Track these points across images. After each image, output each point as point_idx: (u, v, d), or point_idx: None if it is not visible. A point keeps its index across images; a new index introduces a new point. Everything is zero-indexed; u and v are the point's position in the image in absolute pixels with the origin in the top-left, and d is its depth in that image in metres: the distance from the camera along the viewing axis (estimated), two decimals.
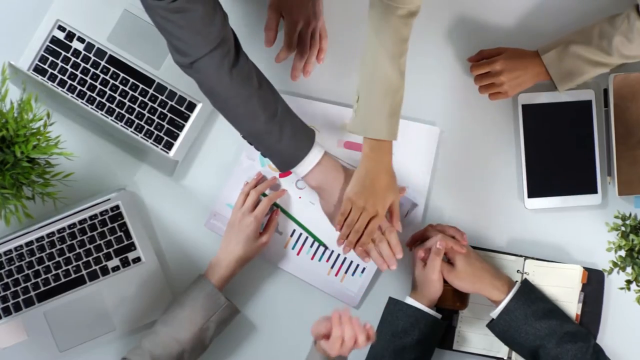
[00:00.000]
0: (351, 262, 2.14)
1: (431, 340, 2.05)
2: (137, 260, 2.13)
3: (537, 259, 2.13)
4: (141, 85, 2.14)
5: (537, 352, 2.02)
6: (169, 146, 2.14)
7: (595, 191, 2.15)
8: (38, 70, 2.14)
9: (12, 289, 2.12)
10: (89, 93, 2.14)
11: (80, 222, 2.12)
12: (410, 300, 2.05)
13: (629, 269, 1.96)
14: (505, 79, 2.08)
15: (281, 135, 1.98)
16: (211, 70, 1.90)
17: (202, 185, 2.17)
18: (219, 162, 2.15)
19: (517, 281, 2.07)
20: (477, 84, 2.13)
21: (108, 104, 2.14)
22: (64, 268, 2.12)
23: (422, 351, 2.04)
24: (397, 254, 2.04)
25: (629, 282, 1.96)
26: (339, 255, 2.14)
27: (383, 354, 2.03)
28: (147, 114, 2.14)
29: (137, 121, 2.14)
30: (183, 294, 2.05)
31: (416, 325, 2.03)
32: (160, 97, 2.14)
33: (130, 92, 2.14)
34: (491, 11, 2.17)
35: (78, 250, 2.12)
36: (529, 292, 2.04)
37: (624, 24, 2.01)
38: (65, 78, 2.14)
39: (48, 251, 2.12)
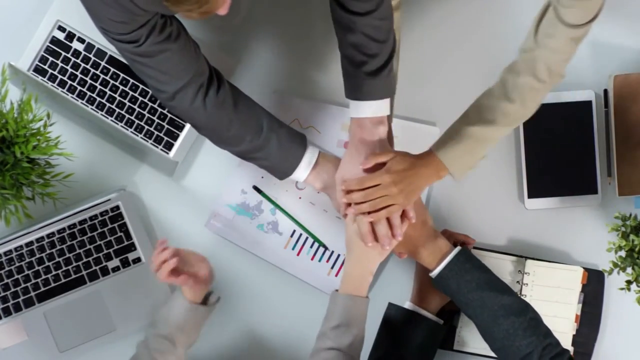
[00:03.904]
0: None
1: (432, 345, 2.05)
2: (137, 260, 2.13)
3: (538, 259, 2.13)
4: (141, 86, 2.14)
5: (473, 321, 1.99)
6: (169, 147, 2.14)
7: (595, 191, 2.15)
8: (38, 70, 2.14)
9: (12, 290, 2.12)
10: (89, 93, 2.14)
11: (80, 222, 2.12)
12: (410, 306, 2.05)
13: (629, 270, 1.96)
14: (397, 189, 1.95)
15: (270, 149, 1.99)
16: (186, 104, 1.92)
17: (202, 186, 2.17)
18: (219, 162, 2.15)
19: (457, 247, 2.01)
20: (367, 199, 1.97)
21: (108, 105, 2.14)
22: (64, 268, 2.12)
23: (424, 356, 2.04)
24: (396, 236, 1.97)
25: (629, 282, 1.96)
26: (339, 255, 2.14)
27: (386, 359, 2.02)
28: (147, 115, 2.14)
29: (137, 122, 2.14)
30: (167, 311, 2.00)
31: (418, 330, 2.03)
32: None
33: (130, 93, 2.14)
34: (493, 13, 2.17)
35: (78, 251, 2.12)
36: (463, 262, 1.99)
37: (534, 47, 1.88)
38: (65, 78, 2.14)
39: (48, 252, 2.12)
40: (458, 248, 2.01)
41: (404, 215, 1.98)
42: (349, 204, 1.97)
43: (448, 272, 1.99)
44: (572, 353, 2.12)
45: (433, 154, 1.96)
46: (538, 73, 1.87)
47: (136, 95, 2.14)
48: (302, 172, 2.02)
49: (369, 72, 1.95)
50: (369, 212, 1.95)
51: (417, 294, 2.07)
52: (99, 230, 2.12)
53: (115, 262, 2.13)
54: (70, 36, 2.14)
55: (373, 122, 1.98)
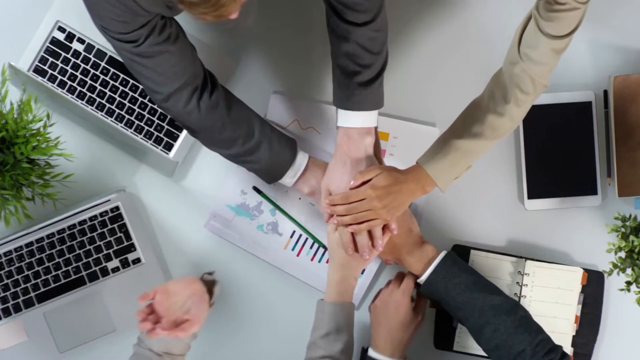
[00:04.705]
0: None
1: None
2: (137, 261, 2.13)
3: (538, 260, 2.13)
4: (140, 86, 2.14)
5: (464, 324, 2.00)
6: (169, 147, 2.14)
7: (595, 192, 2.15)
8: (38, 71, 2.14)
9: (12, 290, 2.12)
10: (88, 94, 2.14)
11: (80, 223, 2.12)
12: (374, 354, 2.02)
13: (629, 271, 1.96)
14: (380, 204, 1.96)
15: (261, 153, 1.99)
16: (180, 106, 1.93)
17: (202, 186, 2.17)
18: (219, 163, 2.15)
19: (443, 252, 2.02)
20: (350, 212, 1.98)
21: (108, 105, 2.14)
22: (64, 269, 2.12)
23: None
24: (376, 247, 1.99)
25: (628, 283, 1.96)
26: None
27: None
28: (147, 115, 2.14)
29: (137, 122, 2.14)
30: None
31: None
32: None
33: (130, 93, 2.14)
34: (492, 15, 2.17)
35: (78, 252, 2.12)
36: (450, 265, 2.00)
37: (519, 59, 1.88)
38: (65, 79, 2.14)
39: (48, 252, 2.12)
40: (444, 252, 2.02)
41: (386, 227, 1.99)
42: (332, 214, 1.98)
43: (436, 277, 2.00)
44: (571, 354, 2.12)
45: (420, 167, 1.96)
46: (523, 86, 1.88)
47: (136, 95, 2.14)
48: (291, 177, 2.03)
49: (361, 83, 1.95)
50: (351, 224, 1.97)
51: (376, 340, 2.03)
52: (99, 231, 2.12)
53: (115, 263, 2.13)
54: (70, 37, 2.14)
55: (360, 133, 1.99)
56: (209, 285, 1.98)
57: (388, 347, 2.02)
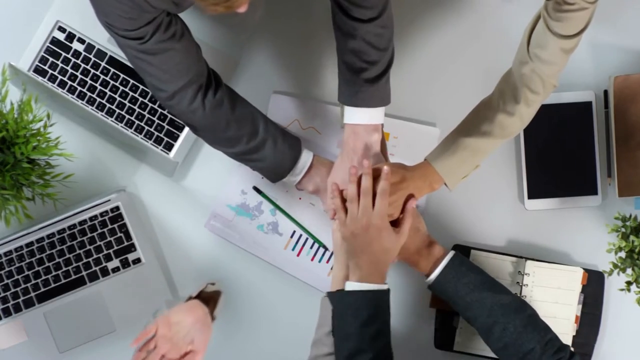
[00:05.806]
0: None
1: (388, 312, 1.95)
2: (137, 261, 2.13)
3: (538, 260, 2.13)
4: (141, 87, 2.14)
5: (473, 323, 2.00)
6: (169, 147, 2.14)
7: (595, 192, 2.15)
8: (38, 71, 2.14)
9: (12, 290, 2.12)
10: (89, 94, 2.14)
11: (80, 223, 2.12)
12: (359, 286, 1.91)
13: (629, 271, 1.96)
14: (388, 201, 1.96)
15: (265, 151, 1.99)
16: (184, 104, 1.93)
17: (202, 186, 2.17)
18: (219, 163, 2.15)
19: (451, 251, 2.02)
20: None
21: (108, 105, 2.14)
22: (64, 269, 2.12)
23: (388, 326, 1.94)
24: None
25: (629, 283, 1.96)
26: None
27: (361, 347, 1.90)
28: (147, 115, 2.14)
29: (137, 122, 2.14)
30: None
31: (379, 306, 1.93)
32: None
33: (131, 93, 2.14)
34: (494, 16, 2.17)
35: (78, 252, 2.12)
36: (458, 265, 2.00)
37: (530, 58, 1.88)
38: (65, 79, 2.14)
39: (48, 252, 2.12)
40: (452, 252, 2.01)
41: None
42: (336, 212, 1.99)
43: (444, 277, 1.99)
44: None
45: (428, 164, 1.97)
46: (533, 86, 1.88)
47: (136, 95, 2.14)
48: (296, 175, 2.03)
49: (367, 79, 1.95)
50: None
51: (360, 269, 1.93)
52: (99, 231, 2.12)
53: (115, 263, 2.13)
54: (71, 37, 2.14)
55: (367, 129, 1.99)
56: (212, 295, 1.98)
57: (374, 273, 1.92)
